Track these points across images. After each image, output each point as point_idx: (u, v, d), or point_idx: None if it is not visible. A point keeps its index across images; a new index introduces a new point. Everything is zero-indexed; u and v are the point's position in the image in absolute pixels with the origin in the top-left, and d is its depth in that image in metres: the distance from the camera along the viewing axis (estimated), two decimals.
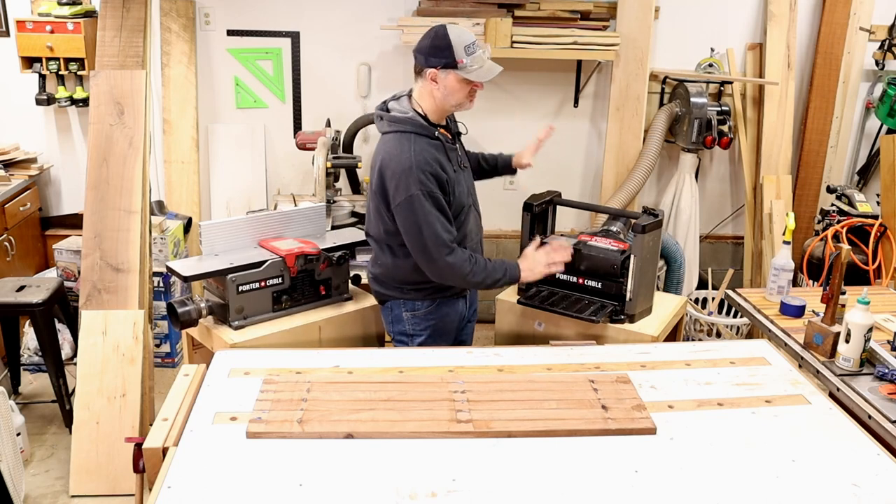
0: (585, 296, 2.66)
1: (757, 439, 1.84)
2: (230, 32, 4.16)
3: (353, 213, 3.61)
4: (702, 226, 4.49)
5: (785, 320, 2.66)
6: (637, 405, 1.95)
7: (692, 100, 4.04)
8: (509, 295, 2.77)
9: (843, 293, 2.38)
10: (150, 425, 1.99)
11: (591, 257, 2.63)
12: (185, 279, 2.48)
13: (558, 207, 2.90)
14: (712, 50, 4.31)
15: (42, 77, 3.99)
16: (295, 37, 4.19)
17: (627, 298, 2.57)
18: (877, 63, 4.39)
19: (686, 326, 3.93)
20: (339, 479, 1.66)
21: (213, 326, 2.54)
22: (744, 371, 2.20)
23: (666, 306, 2.77)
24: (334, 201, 3.63)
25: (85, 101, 4.00)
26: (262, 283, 2.55)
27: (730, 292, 2.97)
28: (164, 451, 1.78)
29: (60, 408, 3.34)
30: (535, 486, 1.65)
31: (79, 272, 3.61)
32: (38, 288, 3.30)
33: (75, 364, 3.14)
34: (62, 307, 3.42)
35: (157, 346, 3.93)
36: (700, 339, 4.15)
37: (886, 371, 2.20)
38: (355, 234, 2.99)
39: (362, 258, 3.19)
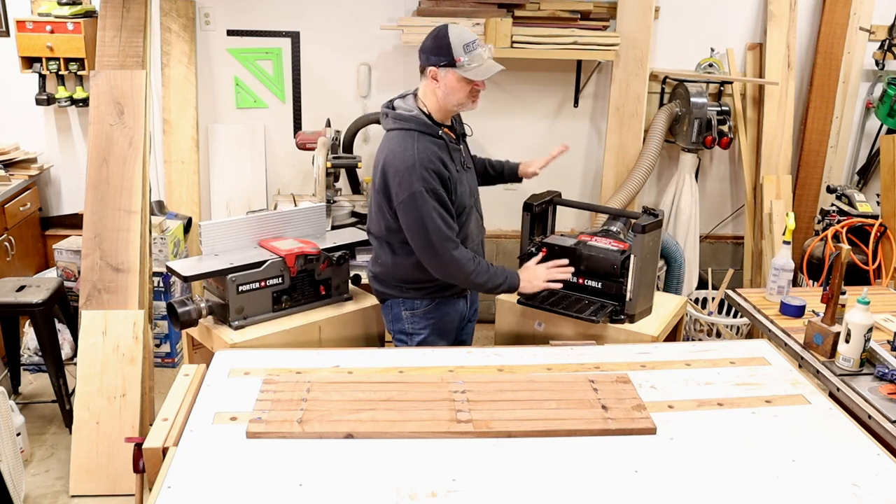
0: (585, 296, 2.66)
1: (757, 439, 1.84)
2: (230, 32, 4.16)
3: (353, 213, 3.61)
4: (702, 226, 4.49)
5: (785, 320, 2.66)
6: (637, 405, 1.95)
7: (692, 100, 4.04)
8: (509, 295, 2.77)
9: (843, 293, 2.38)
10: (150, 425, 1.99)
11: (591, 257, 2.63)
12: (185, 279, 2.48)
13: (558, 207, 2.90)
14: (712, 50, 4.31)
15: (42, 77, 3.99)
16: (295, 37, 4.19)
17: (627, 298, 2.57)
18: (877, 63, 4.39)
19: (686, 326, 3.93)
20: (339, 479, 1.66)
21: (213, 326, 2.54)
22: (744, 371, 2.20)
23: (666, 306, 2.77)
24: (334, 201, 3.63)
25: (85, 101, 4.00)
26: (262, 283, 2.55)
27: (730, 292, 2.97)
28: (164, 451, 1.78)
29: (60, 408, 3.34)
30: (535, 486, 1.65)
31: (79, 272, 3.61)
32: (38, 288, 3.30)
33: (75, 364, 3.14)
34: (62, 307, 3.42)
35: (157, 346, 3.93)
36: (700, 339, 4.15)
37: (886, 371, 2.20)
38: (355, 234, 2.99)
39: (362, 258, 3.19)
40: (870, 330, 2.24)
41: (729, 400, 2.03)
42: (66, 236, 4.09)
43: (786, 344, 2.50)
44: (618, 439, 1.83)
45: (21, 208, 3.98)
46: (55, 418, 3.43)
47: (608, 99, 4.28)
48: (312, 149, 3.60)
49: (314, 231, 2.88)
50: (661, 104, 4.30)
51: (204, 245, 2.60)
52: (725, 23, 4.30)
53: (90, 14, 3.93)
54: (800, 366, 2.39)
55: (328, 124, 3.91)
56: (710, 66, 4.30)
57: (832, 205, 4.04)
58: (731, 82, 4.29)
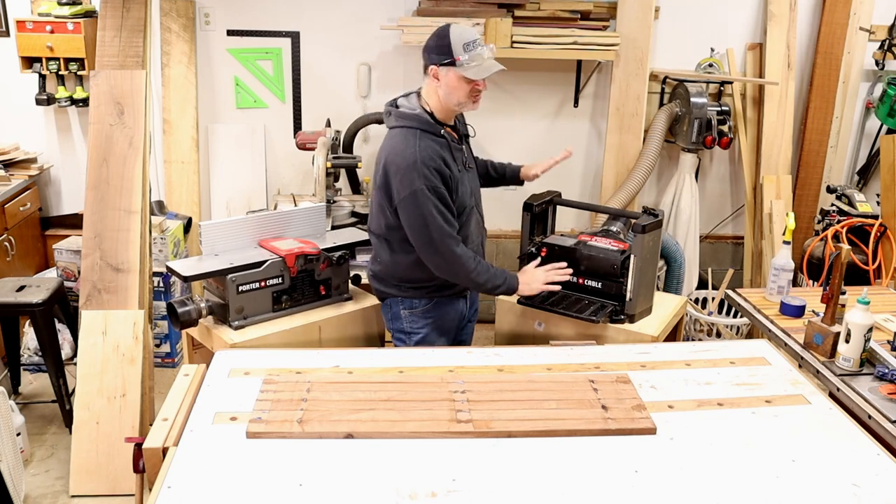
0: (585, 296, 2.66)
1: (757, 439, 1.84)
2: (230, 32, 4.16)
3: (353, 213, 3.61)
4: (702, 226, 4.49)
5: (785, 320, 2.66)
6: (637, 405, 1.95)
7: (692, 100, 4.04)
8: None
9: (843, 293, 2.38)
10: (150, 425, 1.99)
11: (591, 257, 2.63)
12: (185, 279, 2.48)
13: (558, 207, 2.90)
14: (712, 50, 4.31)
15: (42, 77, 3.99)
16: (295, 37, 4.19)
17: (627, 298, 2.57)
18: (877, 63, 4.39)
19: (686, 326, 3.93)
20: (339, 479, 1.66)
21: (213, 326, 2.54)
22: (744, 371, 2.20)
23: (666, 306, 2.77)
24: (334, 201, 3.63)
25: (85, 101, 4.00)
26: (262, 283, 2.55)
27: (730, 292, 2.97)
28: (164, 451, 1.78)
29: (60, 408, 3.34)
30: (535, 486, 1.65)
31: (79, 272, 3.61)
32: (38, 288, 3.30)
33: (75, 364, 3.14)
34: (62, 307, 3.42)
35: (157, 346, 3.93)
36: (700, 339, 4.15)
37: (886, 371, 2.20)
38: (355, 234, 2.99)
39: (362, 258, 3.19)
40: (870, 330, 2.24)
41: (729, 400, 2.03)
42: (66, 236, 4.09)
43: (786, 344, 2.50)
44: (618, 439, 1.83)
45: (21, 208, 3.98)
46: (55, 418, 3.43)
47: (608, 99, 4.28)
48: (312, 149, 3.60)
49: (314, 231, 2.88)
50: (661, 104, 4.30)
51: (204, 245, 2.60)
52: (725, 23, 4.30)
53: (90, 14, 3.93)
54: (800, 366, 2.39)
55: (328, 124, 3.91)
56: (710, 66, 4.30)
57: (832, 205, 4.04)
58: (731, 82, 4.29)
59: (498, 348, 2.41)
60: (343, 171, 3.99)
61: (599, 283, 2.63)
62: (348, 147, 4.05)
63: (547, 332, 2.64)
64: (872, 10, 4.30)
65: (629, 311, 2.59)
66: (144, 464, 1.80)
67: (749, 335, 4.03)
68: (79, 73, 3.95)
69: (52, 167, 4.30)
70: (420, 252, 2.42)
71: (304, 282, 2.66)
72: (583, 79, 4.31)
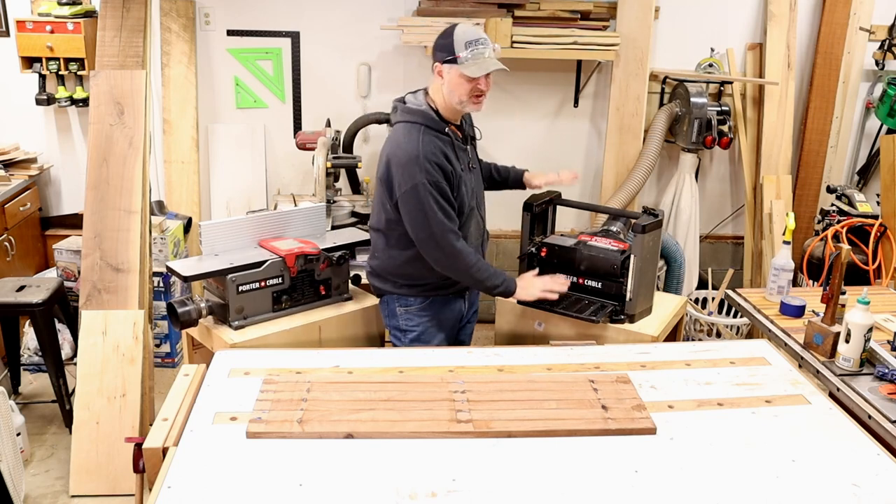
0: (585, 296, 2.66)
1: (757, 439, 1.84)
2: (230, 32, 4.16)
3: (353, 213, 3.61)
4: (702, 226, 4.49)
5: (785, 320, 2.66)
6: (637, 405, 1.95)
7: (692, 100, 4.04)
8: None
9: (843, 293, 2.38)
10: (150, 425, 1.99)
11: (591, 257, 2.63)
12: (185, 279, 2.48)
13: (558, 207, 2.90)
14: (712, 50, 4.31)
15: (42, 77, 3.99)
16: (295, 37, 4.19)
17: (627, 298, 2.57)
18: (877, 63, 4.39)
19: (686, 326, 3.93)
20: (339, 479, 1.66)
21: (213, 326, 2.54)
22: (744, 371, 2.20)
23: (666, 306, 2.76)
24: (334, 201, 3.63)
25: (85, 101, 4.00)
26: (262, 283, 2.55)
27: (730, 292, 2.97)
28: (164, 451, 1.78)
29: (60, 408, 3.34)
30: (535, 486, 1.65)
31: (79, 272, 3.61)
32: (38, 288, 3.30)
33: (75, 364, 3.14)
34: (62, 307, 3.42)
35: (157, 346, 3.93)
36: (700, 339, 4.15)
37: (886, 371, 2.20)
38: (355, 234, 2.99)
39: (362, 258, 3.19)
40: (870, 330, 2.24)
41: (729, 400, 2.03)
42: (66, 236, 4.09)
43: (786, 344, 2.50)
44: (618, 439, 1.83)
45: (21, 208, 3.98)
46: (55, 418, 3.43)
47: (608, 99, 4.28)
48: (312, 149, 3.60)
49: (314, 231, 2.88)
50: (661, 104, 4.30)
51: (204, 245, 2.60)
52: (725, 23, 4.30)
53: (90, 14, 3.93)
54: (800, 366, 2.39)
55: (328, 124, 3.91)
56: (710, 66, 4.30)
57: (832, 205, 4.04)
58: (731, 82, 4.29)
59: (498, 348, 2.41)
60: (343, 171, 3.99)
61: (599, 283, 2.63)
62: (348, 147, 4.05)
63: (547, 332, 2.64)
64: (872, 10, 4.30)
65: (629, 311, 2.59)
66: (144, 464, 1.80)
67: (749, 335, 4.03)
68: (79, 73, 3.95)
69: (52, 167, 4.30)
70: (420, 246, 2.42)
71: (304, 282, 2.66)
72: (583, 79, 4.31)
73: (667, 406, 1.98)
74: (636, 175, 4.10)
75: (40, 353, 3.44)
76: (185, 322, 2.50)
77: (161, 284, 3.85)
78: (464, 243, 2.44)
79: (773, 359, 2.29)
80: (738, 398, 2.03)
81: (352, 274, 2.82)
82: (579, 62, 4.24)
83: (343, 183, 4.06)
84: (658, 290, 3.06)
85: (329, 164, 3.51)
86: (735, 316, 4.26)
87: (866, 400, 2.11)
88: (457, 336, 2.75)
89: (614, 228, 2.77)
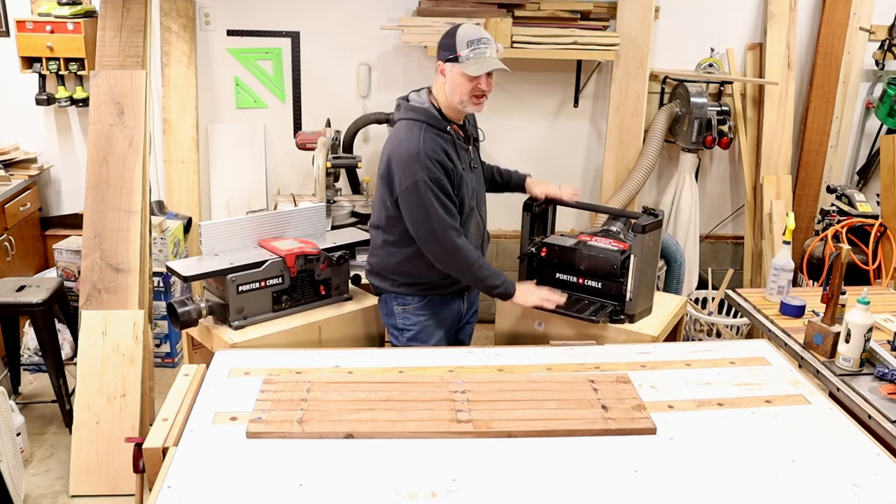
0: (585, 296, 2.66)
1: (757, 439, 1.84)
2: (230, 32, 4.16)
3: (353, 213, 3.61)
4: (702, 226, 4.49)
5: (785, 320, 2.66)
6: (637, 405, 1.95)
7: (692, 100, 4.04)
8: None
9: (843, 293, 2.38)
10: (150, 425, 1.99)
11: (591, 257, 2.63)
12: (185, 279, 2.48)
13: (558, 207, 2.90)
14: (712, 50, 4.31)
15: (42, 77, 3.99)
16: (295, 37, 4.19)
17: (627, 298, 2.57)
18: (877, 63, 4.39)
19: (686, 326, 3.93)
20: (339, 479, 1.66)
21: (213, 326, 2.54)
22: (744, 371, 2.20)
23: (666, 306, 2.76)
24: (334, 201, 3.63)
25: (85, 101, 4.00)
26: (262, 283, 2.55)
27: (730, 292, 2.97)
28: (164, 451, 1.78)
29: (60, 408, 3.33)
30: (535, 486, 1.65)
31: (79, 272, 3.61)
32: (38, 288, 3.30)
33: (75, 364, 3.14)
34: (62, 307, 3.42)
35: (157, 346, 3.93)
36: (700, 339, 4.15)
37: (886, 371, 2.20)
38: (355, 234, 2.99)
39: (362, 258, 3.19)
40: (870, 330, 2.24)
41: (729, 400, 2.03)
42: (66, 236, 4.09)
43: (786, 344, 2.50)
44: (618, 439, 1.83)
45: (21, 208, 3.98)
46: (55, 418, 3.43)
47: (608, 99, 4.28)
48: (312, 149, 3.60)
49: (314, 231, 2.88)
50: (661, 104, 4.30)
51: (204, 245, 2.60)
52: (725, 23, 4.30)
53: (90, 14, 3.93)
54: (800, 366, 2.39)
55: (328, 124, 3.91)
56: (710, 66, 4.30)
57: (832, 205, 4.04)
58: (731, 82, 4.29)
59: (498, 348, 2.41)
60: (343, 171, 3.99)
61: (599, 283, 2.63)
62: (348, 147, 4.05)
63: (547, 332, 2.64)
64: (872, 10, 4.30)
65: (629, 311, 2.58)
66: (144, 464, 1.80)
67: (749, 335, 4.03)
68: (79, 73, 3.95)
69: (52, 167, 4.30)
70: (421, 243, 2.42)
71: (304, 282, 2.66)
72: (583, 79, 4.31)
73: (667, 406, 1.98)
74: (636, 175, 4.10)
75: (40, 353, 3.44)
76: (185, 322, 2.50)
77: (161, 284, 3.85)
78: (465, 240, 2.44)
79: (773, 359, 2.29)
80: (738, 398, 2.03)
81: (352, 274, 2.82)
82: (579, 62, 4.24)
83: (343, 183, 4.06)
84: (658, 290, 3.06)
85: (329, 164, 3.51)
86: (735, 316, 4.26)
87: (866, 400, 2.11)
88: (456, 336, 2.75)
89: (614, 228, 2.77)
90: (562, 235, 2.84)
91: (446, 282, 2.55)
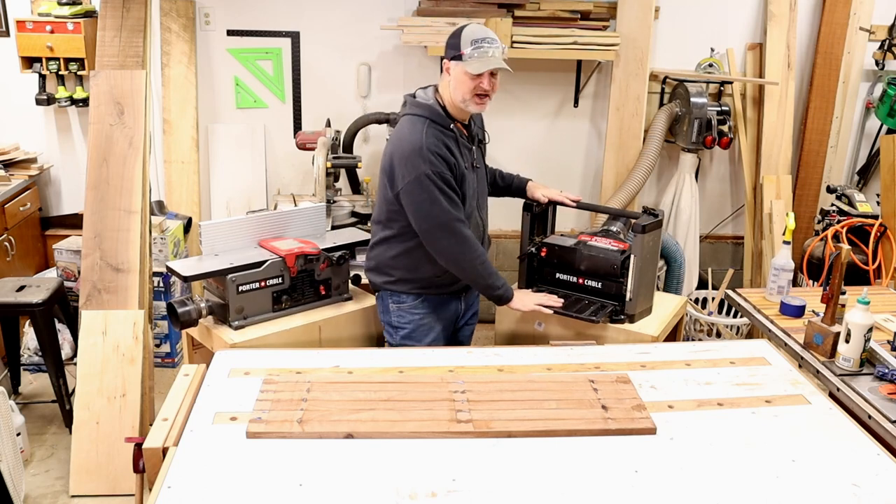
0: (585, 296, 2.66)
1: (757, 439, 1.84)
2: (230, 32, 4.16)
3: (353, 213, 3.61)
4: (702, 226, 4.49)
5: (785, 320, 2.66)
6: (637, 405, 1.95)
7: (692, 100, 4.04)
8: None
9: (843, 293, 2.38)
10: (150, 425, 1.99)
11: (591, 257, 2.63)
12: (185, 279, 2.48)
13: (558, 207, 2.90)
14: (712, 50, 4.31)
15: (42, 77, 3.99)
16: (295, 37, 4.19)
17: (627, 298, 2.57)
18: (877, 63, 4.39)
19: (686, 326, 3.93)
20: (339, 479, 1.66)
21: (213, 326, 2.54)
22: (744, 371, 2.20)
23: (666, 306, 2.77)
24: (334, 201, 3.63)
25: (85, 101, 4.00)
26: (262, 283, 2.55)
27: (730, 292, 2.97)
28: (164, 451, 1.78)
29: (60, 408, 3.33)
30: (535, 486, 1.65)
31: (79, 272, 3.61)
32: (38, 288, 3.30)
33: (75, 364, 3.14)
34: (62, 307, 3.42)
35: (157, 346, 3.93)
36: (700, 339, 4.15)
37: (886, 371, 2.20)
38: (355, 234, 2.99)
39: (362, 258, 3.19)
40: (870, 330, 2.24)
41: (729, 400, 2.03)
42: (66, 236, 4.09)
43: (786, 344, 2.50)
44: (618, 439, 1.83)
45: (21, 208, 3.98)
46: (55, 418, 3.43)
47: (608, 99, 4.28)
48: (312, 149, 3.60)
49: (314, 231, 2.88)
50: (661, 104, 4.30)
51: (204, 245, 2.60)
52: (725, 23, 4.30)
53: (90, 14, 3.93)
54: (800, 366, 2.39)
55: (328, 124, 3.91)
56: (710, 66, 4.30)
57: (832, 205, 4.04)
58: (731, 82, 4.29)
59: (498, 348, 2.41)
60: (343, 171, 3.99)
61: (599, 283, 2.63)
62: (348, 147, 4.05)
63: (547, 332, 2.64)
64: (872, 10, 4.30)
65: (629, 311, 2.58)
66: (144, 464, 1.80)
67: (749, 335, 4.03)
68: (79, 73, 3.94)
69: (52, 167, 4.30)
70: (426, 238, 2.42)
71: (304, 282, 2.66)
72: (583, 79, 4.31)
73: (667, 406, 1.98)
74: (636, 175, 4.10)
75: (40, 353, 3.44)
76: (185, 322, 2.50)
77: (161, 284, 3.85)
78: (471, 232, 2.44)
79: (773, 359, 2.29)
80: (738, 398, 2.03)
81: (352, 274, 2.82)
82: (579, 62, 4.24)
83: (343, 183, 4.06)
84: (658, 290, 3.06)
85: (329, 164, 3.51)
86: (735, 316, 4.26)
87: (866, 400, 2.11)
88: (455, 338, 2.75)
89: (614, 228, 2.77)
90: (562, 235, 2.84)
91: (443, 280, 2.55)
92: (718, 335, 4.14)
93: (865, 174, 4.53)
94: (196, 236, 3.79)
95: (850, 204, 3.96)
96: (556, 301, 2.58)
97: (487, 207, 2.67)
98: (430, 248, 2.44)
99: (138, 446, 1.83)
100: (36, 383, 3.79)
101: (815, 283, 3.85)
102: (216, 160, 4.29)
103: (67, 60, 3.90)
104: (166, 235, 3.89)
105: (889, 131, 4.21)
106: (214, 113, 4.27)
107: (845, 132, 4.50)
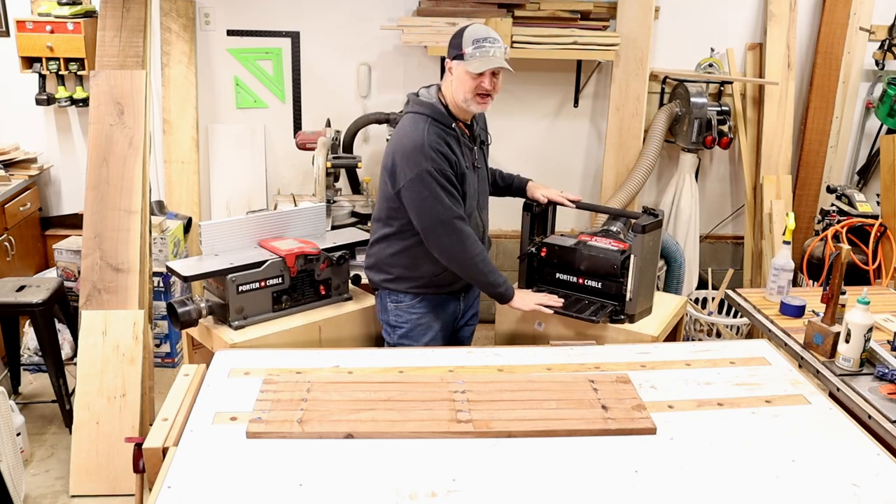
0: (585, 296, 2.66)
1: (757, 439, 1.84)
2: (230, 32, 4.16)
3: (353, 213, 3.61)
4: (702, 226, 4.49)
5: (785, 320, 2.66)
6: (637, 405, 1.95)
7: (692, 100, 4.04)
8: None
9: (843, 293, 2.38)
10: (150, 425, 1.99)
11: (591, 257, 2.63)
12: (185, 279, 2.48)
13: (558, 207, 2.89)
14: (712, 50, 4.31)
15: (42, 77, 3.99)
16: (295, 37, 4.19)
17: (627, 298, 2.57)
18: (877, 63, 4.39)
19: (686, 326, 3.93)
20: (339, 479, 1.66)
21: (213, 326, 2.54)
22: (744, 371, 2.20)
23: (666, 306, 2.77)
24: (334, 201, 3.63)
25: (85, 101, 4.00)
26: (262, 283, 2.55)
27: (730, 292, 2.97)
28: (164, 451, 1.78)
29: (60, 408, 3.33)
30: (535, 486, 1.65)
31: (79, 272, 3.61)
32: (38, 288, 3.30)
33: (75, 364, 3.14)
34: (62, 307, 3.42)
35: (157, 346, 3.93)
36: (700, 339, 4.15)
37: (886, 371, 2.20)
38: (355, 234, 2.99)
39: (362, 258, 3.19)
40: (870, 330, 2.24)
41: (729, 400, 2.03)
42: (66, 236, 4.09)
43: (786, 344, 2.50)
44: (618, 439, 1.83)
45: (21, 208, 3.98)
46: (55, 418, 3.43)
47: (608, 99, 4.28)
48: (312, 149, 3.60)
49: (314, 231, 2.88)
50: (661, 104, 4.30)
51: (204, 245, 2.60)
52: (725, 23, 4.30)
53: (90, 14, 3.93)
54: (800, 366, 2.39)
55: (328, 124, 3.91)
56: (710, 66, 4.30)
57: (832, 205, 4.04)
58: (731, 82, 4.29)
59: (498, 348, 2.41)
60: (343, 171, 3.99)
61: (599, 283, 2.63)
62: (348, 147, 4.05)
63: (547, 332, 2.64)
64: (872, 10, 4.30)
65: (629, 311, 2.59)
66: (144, 464, 1.80)
67: (749, 335, 4.03)
68: (79, 73, 3.94)
69: (52, 167, 4.30)
70: (427, 235, 2.42)
71: (304, 282, 2.66)
72: (583, 79, 4.31)
73: (667, 406, 1.98)
74: (636, 175, 4.10)
75: (40, 353, 3.44)
76: (185, 322, 2.50)
77: (161, 284, 3.85)
78: (472, 230, 2.44)
79: (773, 359, 2.29)
80: (738, 398, 2.03)
81: (352, 274, 2.82)
82: (579, 62, 4.24)
83: (343, 183, 4.06)
84: (658, 290, 3.06)
85: (329, 164, 3.51)
86: (735, 316, 4.26)
87: (866, 400, 2.11)
88: (455, 338, 2.75)
89: (614, 228, 2.77)
90: (562, 235, 2.84)
91: (441, 279, 2.55)
92: (718, 335, 4.14)
93: (865, 174, 4.53)
94: (196, 236, 3.79)
95: (850, 204, 3.96)
96: (557, 301, 2.58)
97: (488, 208, 2.67)
98: (431, 246, 2.44)
99: (138, 446, 1.83)
100: (36, 383, 3.79)
101: (815, 283, 3.85)
102: (216, 160, 4.29)
103: (67, 60, 3.90)
104: (166, 235, 3.89)
105: (889, 131, 4.21)
106: (214, 113, 4.27)
107: (845, 132, 4.50)
